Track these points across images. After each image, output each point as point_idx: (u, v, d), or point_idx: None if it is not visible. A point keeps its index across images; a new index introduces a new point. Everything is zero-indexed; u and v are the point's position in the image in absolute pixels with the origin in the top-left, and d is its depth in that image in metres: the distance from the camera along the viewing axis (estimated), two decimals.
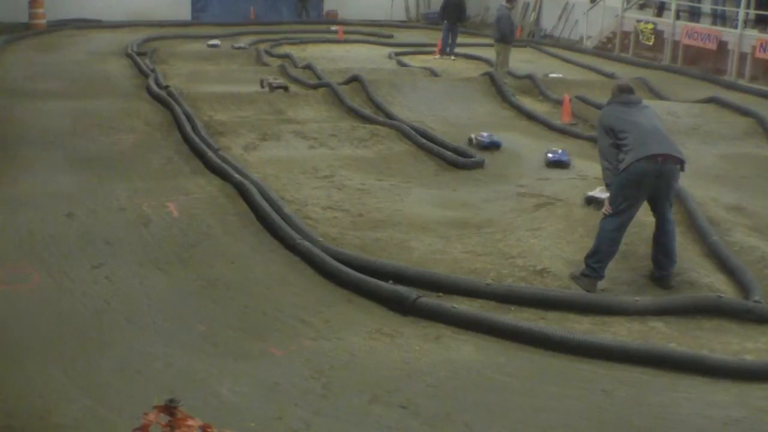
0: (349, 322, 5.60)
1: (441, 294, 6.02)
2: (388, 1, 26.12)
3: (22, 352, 4.99)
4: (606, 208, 6.49)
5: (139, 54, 17.26)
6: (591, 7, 21.44)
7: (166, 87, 13.10)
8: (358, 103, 12.65)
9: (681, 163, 6.40)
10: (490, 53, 17.20)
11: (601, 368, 5.05)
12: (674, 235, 6.60)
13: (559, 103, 13.11)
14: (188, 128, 10.42)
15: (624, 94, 6.69)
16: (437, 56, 18.86)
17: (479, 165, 9.68)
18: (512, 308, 5.90)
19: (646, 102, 6.99)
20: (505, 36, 15.46)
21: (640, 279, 6.61)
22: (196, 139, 9.92)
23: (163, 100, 12.22)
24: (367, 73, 14.45)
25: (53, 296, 5.82)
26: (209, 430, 3.20)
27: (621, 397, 4.73)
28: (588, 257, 6.45)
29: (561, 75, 16.26)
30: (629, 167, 6.23)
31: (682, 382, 4.93)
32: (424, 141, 10.41)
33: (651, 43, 19.02)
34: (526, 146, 10.76)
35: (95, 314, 5.56)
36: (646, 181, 6.27)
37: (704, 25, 17.95)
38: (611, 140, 6.44)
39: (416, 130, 10.92)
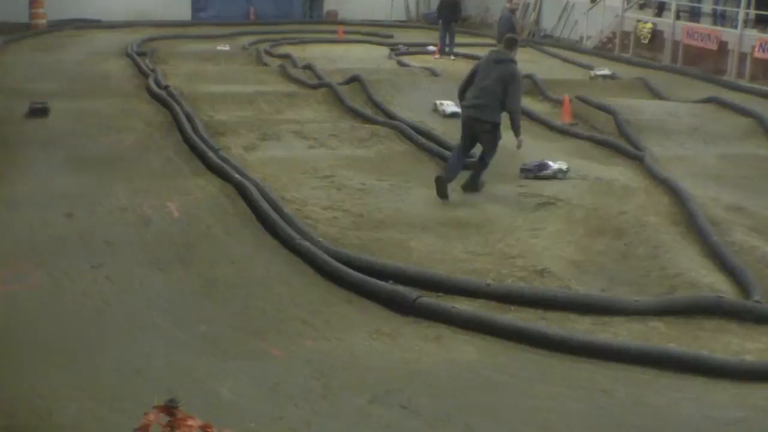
0: (349, 322, 5.60)
1: (441, 294, 6.02)
2: (388, 1, 26.13)
3: (22, 352, 4.99)
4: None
5: (139, 54, 17.24)
6: (591, 7, 21.42)
7: (166, 87, 13.10)
8: (358, 103, 12.65)
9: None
10: None
11: (601, 368, 5.05)
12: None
13: (559, 103, 13.11)
14: (188, 128, 10.42)
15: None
16: (437, 56, 18.88)
17: None
18: (512, 308, 5.90)
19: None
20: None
21: (640, 279, 6.61)
22: (196, 139, 9.92)
23: (163, 100, 12.22)
24: (367, 73, 14.45)
25: (53, 296, 5.83)
26: (209, 430, 3.20)
27: (621, 397, 4.73)
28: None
29: (608, 71, 15.93)
30: None
31: (682, 382, 4.93)
32: (424, 141, 10.42)
33: (647, 42, 19.01)
34: (527, 146, 10.75)
35: (95, 314, 5.56)
36: None
37: (704, 25, 17.95)
38: None
39: (417, 129, 10.92)
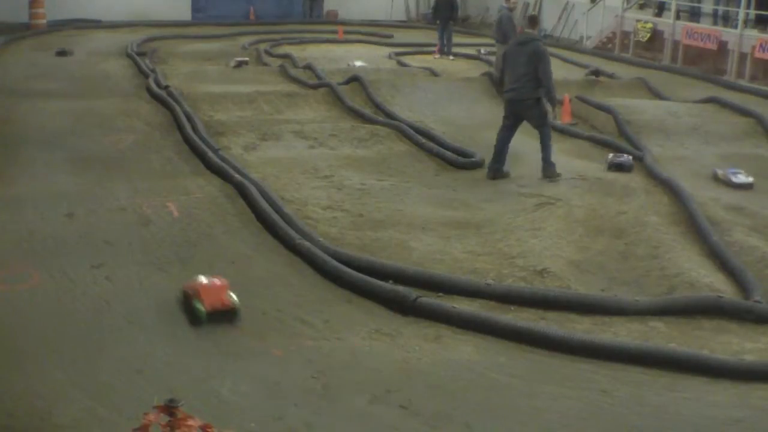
0: (349, 322, 5.60)
1: (441, 294, 6.02)
2: (388, 1, 26.13)
3: (22, 352, 4.99)
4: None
5: (139, 54, 17.25)
6: (591, 7, 21.42)
7: (166, 87, 13.10)
8: (358, 103, 12.65)
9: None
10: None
11: (601, 368, 5.05)
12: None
13: (559, 103, 13.09)
14: (188, 128, 10.42)
15: None
16: (436, 56, 18.88)
17: (479, 165, 9.68)
18: (512, 308, 5.90)
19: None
20: (507, 37, 15.45)
21: (640, 279, 6.61)
22: (196, 139, 9.92)
23: (163, 100, 12.22)
24: (367, 74, 14.44)
25: (53, 296, 5.82)
26: (209, 430, 3.21)
27: (621, 397, 4.73)
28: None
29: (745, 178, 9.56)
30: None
31: (682, 382, 4.93)
32: (423, 141, 10.42)
33: (646, 41, 19.00)
34: (526, 146, 10.75)
35: (95, 314, 5.56)
36: None
37: (704, 25, 17.95)
38: None
39: (418, 129, 10.92)
